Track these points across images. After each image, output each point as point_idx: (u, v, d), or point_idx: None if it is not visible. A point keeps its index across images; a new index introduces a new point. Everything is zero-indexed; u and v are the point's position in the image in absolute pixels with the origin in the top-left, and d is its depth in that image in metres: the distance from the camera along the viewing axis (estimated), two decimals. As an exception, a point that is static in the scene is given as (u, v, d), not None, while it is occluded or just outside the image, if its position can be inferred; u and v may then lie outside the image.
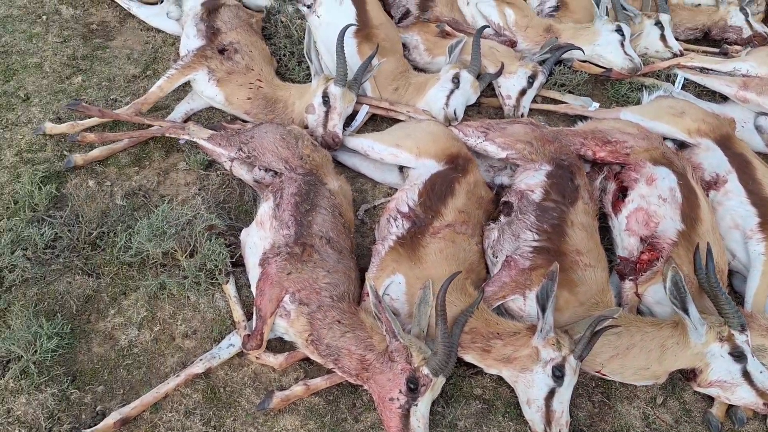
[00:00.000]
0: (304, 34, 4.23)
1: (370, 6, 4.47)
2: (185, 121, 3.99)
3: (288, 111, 3.99)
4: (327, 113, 3.84)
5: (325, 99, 3.84)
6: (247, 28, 4.31)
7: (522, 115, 4.33)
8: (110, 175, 3.71)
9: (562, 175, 3.49)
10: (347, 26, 3.98)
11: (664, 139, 3.96)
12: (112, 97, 4.13)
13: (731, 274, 3.57)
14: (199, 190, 3.68)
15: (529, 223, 3.28)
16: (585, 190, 3.51)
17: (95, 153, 3.72)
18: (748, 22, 5.01)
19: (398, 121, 4.16)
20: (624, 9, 4.91)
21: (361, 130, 4.12)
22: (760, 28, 5.02)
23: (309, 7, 4.60)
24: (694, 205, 3.36)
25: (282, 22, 4.59)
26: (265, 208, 3.28)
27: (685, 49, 4.98)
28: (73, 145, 3.75)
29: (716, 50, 5.05)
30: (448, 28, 4.62)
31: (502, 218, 3.46)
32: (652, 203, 3.38)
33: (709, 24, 5.14)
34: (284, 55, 4.48)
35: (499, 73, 4.33)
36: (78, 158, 3.66)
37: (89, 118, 3.83)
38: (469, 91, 4.11)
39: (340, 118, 3.84)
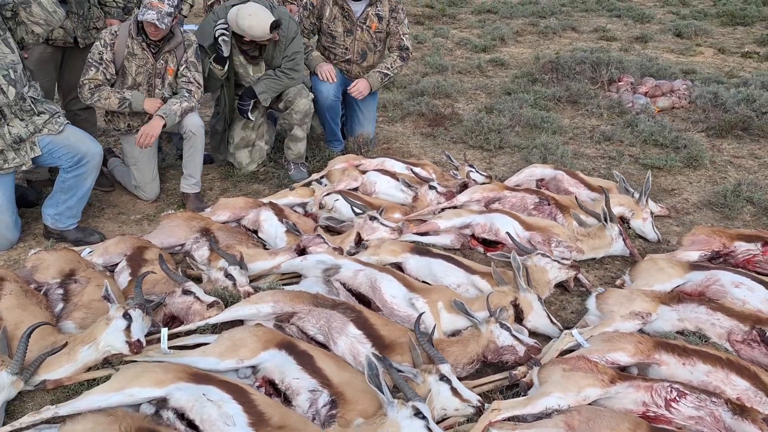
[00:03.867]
0: None
1: None
2: None
3: None
4: None
5: None
6: None
7: None
8: None
9: None
10: None
11: None
12: None
13: None
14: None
15: None
16: None
17: None
18: (515, 337, 4.72)
19: None
20: (401, 372, 4.21)
21: None
22: (530, 341, 4.77)
23: None
24: None
25: None
26: None
27: (480, 391, 4.42)
28: None
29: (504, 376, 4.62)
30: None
31: None
32: None
33: (481, 351, 4.72)
34: None
35: None
36: None
37: None
38: None
39: None
